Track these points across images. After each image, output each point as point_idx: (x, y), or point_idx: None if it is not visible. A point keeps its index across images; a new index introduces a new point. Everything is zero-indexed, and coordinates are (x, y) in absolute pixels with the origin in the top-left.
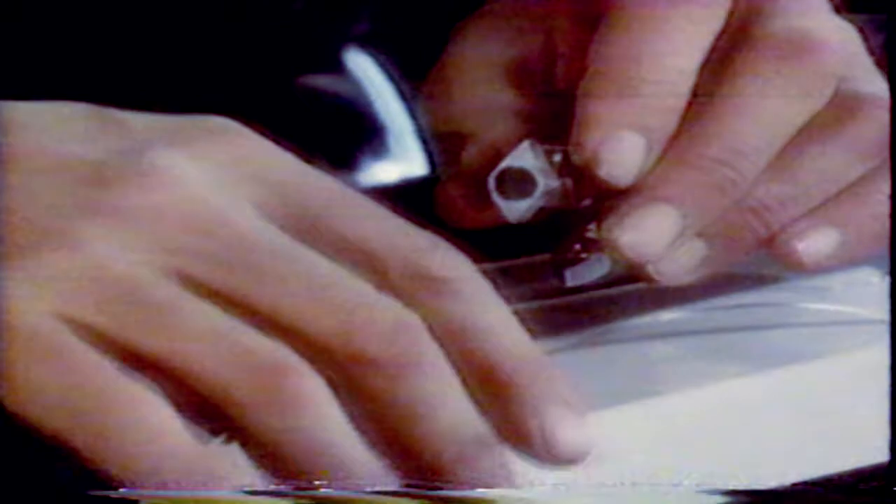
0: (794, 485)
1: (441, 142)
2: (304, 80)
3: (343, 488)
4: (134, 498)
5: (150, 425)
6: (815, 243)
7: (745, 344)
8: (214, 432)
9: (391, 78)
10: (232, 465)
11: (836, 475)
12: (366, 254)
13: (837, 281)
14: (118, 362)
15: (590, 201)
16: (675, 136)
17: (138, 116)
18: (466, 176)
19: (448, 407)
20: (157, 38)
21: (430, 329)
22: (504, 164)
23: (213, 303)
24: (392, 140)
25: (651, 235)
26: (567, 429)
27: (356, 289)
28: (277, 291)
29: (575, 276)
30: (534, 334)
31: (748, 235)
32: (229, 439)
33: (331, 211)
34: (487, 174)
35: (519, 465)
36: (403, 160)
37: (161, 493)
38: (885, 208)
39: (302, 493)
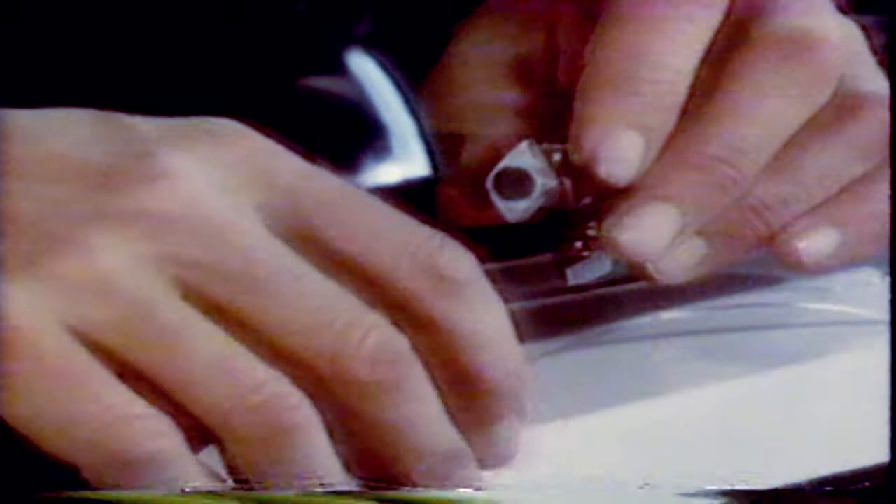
0: (794, 485)
1: (442, 141)
2: (306, 82)
3: (307, 489)
4: (116, 499)
5: (155, 456)
6: (815, 242)
7: (745, 344)
8: (202, 441)
9: (393, 79)
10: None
11: (836, 475)
12: (371, 257)
13: (838, 281)
14: (120, 372)
15: (589, 200)
16: (675, 135)
17: (143, 120)
18: (466, 175)
19: (426, 427)
20: (157, 40)
21: (425, 328)
22: (502, 164)
23: (212, 316)
24: (394, 141)
25: (651, 234)
26: (514, 444)
27: (347, 308)
28: (272, 311)
29: (576, 275)
30: (534, 334)
31: (749, 234)
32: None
33: (337, 212)
34: (487, 173)
35: (488, 478)
36: (405, 161)
37: (146, 493)
38: (886, 207)
39: (261, 494)
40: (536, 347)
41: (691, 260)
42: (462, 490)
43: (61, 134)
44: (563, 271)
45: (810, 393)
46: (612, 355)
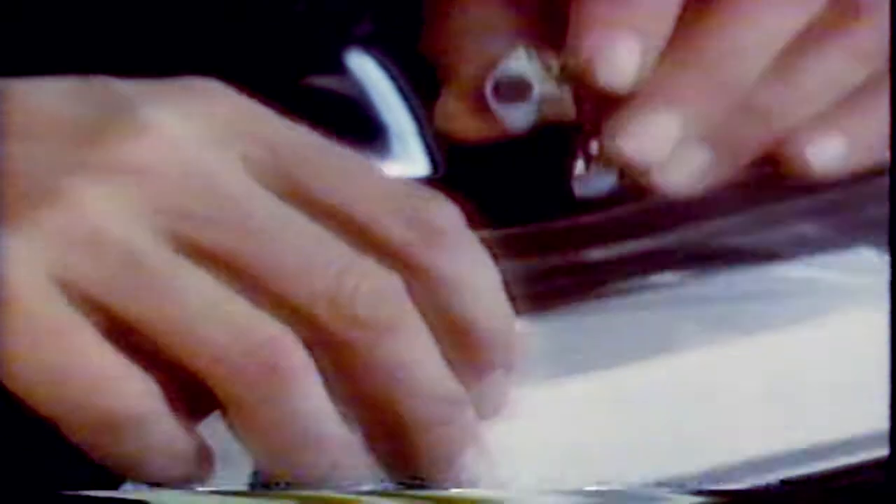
0: (793, 483)
1: (441, 57)
2: (306, 82)
3: (338, 488)
4: (121, 497)
5: (133, 410)
6: (821, 148)
7: (737, 310)
8: (198, 411)
9: (393, 79)
10: (211, 455)
11: (834, 471)
12: (356, 208)
13: (831, 254)
14: (108, 329)
15: (591, 110)
16: (672, 40)
17: (125, 81)
18: (466, 88)
19: (424, 369)
20: (158, 40)
21: (414, 278)
22: (499, 69)
23: (204, 265)
24: (394, 141)
25: (654, 140)
26: (504, 396)
27: (341, 253)
28: (266, 256)
29: (582, 190)
30: (525, 298)
31: (752, 141)
32: (209, 414)
33: (320, 166)
34: (485, 83)
35: (487, 427)
36: (405, 161)
37: (152, 492)
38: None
39: (294, 492)
40: (528, 310)
41: (695, 169)
42: (494, 490)
43: (47, 95)
44: (569, 187)
45: (801, 359)
46: (602, 319)
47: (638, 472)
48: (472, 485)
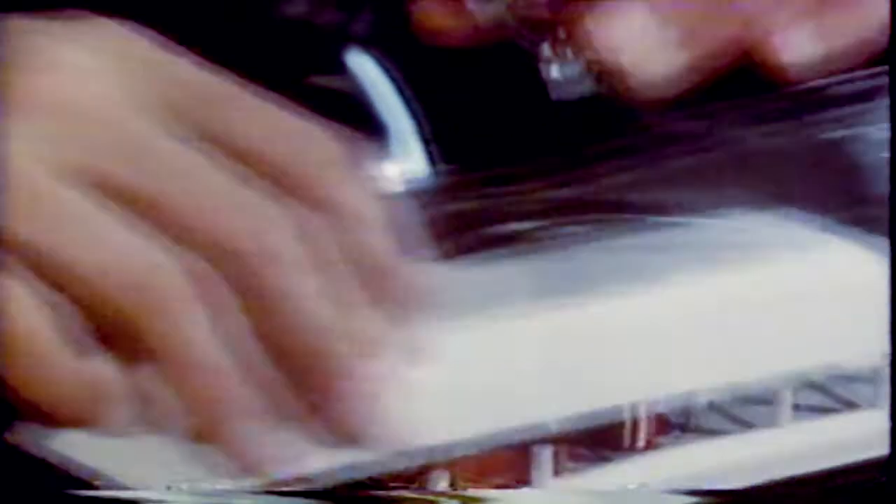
0: (792, 483)
1: None
2: (305, 81)
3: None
4: (124, 498)
5: (19, 324)
6: (798, 49)
7: (654, 260)
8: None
9: (393, 79)
10: (111, 382)
11: (833, 470)
12: (258, 146)
13: (750, 212)
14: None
15: (565, 8)
16: None
17: (37, 20)
18: None
19: (308, 299)
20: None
21: (313, 213)
22: None
23: (99, 198)
24: (394, 141)
25: (628, 32)
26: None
27: (230, 188)
28: (161, 189)
29: (557, 90)
30: (442, 239)
31: (729, 41)
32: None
33: (224, 106)
34: None
35: (402, 370)
36: (405, 161)
37: (154, 493)
38: (873, 16)
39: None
40: (441, 256)
41: (671, 64)
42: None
43: None
44: (544, 86)
45: (719, 306)
46: (516, 265)
47: (558, 411)
48: (386, 428)
